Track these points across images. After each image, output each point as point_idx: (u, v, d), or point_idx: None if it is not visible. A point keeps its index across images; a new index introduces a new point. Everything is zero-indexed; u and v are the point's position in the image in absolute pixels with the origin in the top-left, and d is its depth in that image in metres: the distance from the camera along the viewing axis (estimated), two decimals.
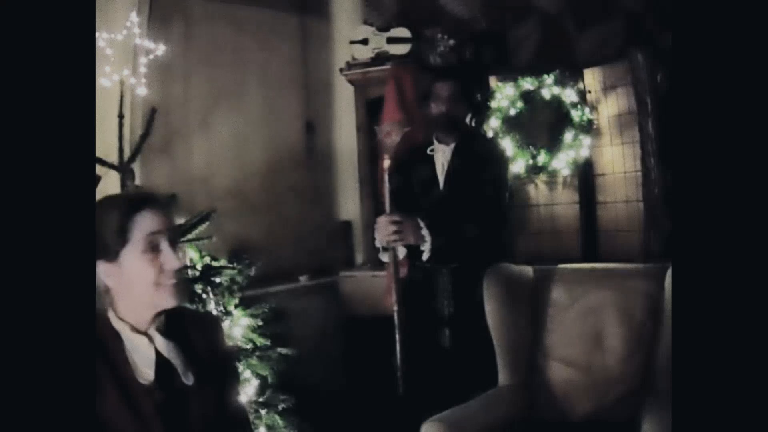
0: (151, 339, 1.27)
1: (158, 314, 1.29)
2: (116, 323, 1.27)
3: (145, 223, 1.25)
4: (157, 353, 1.27)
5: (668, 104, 3.12)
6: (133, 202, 1.28)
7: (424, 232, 2.26)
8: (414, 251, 2.36)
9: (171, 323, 1.32)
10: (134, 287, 1.26)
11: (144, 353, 1.26)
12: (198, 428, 1.27)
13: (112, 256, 1.24)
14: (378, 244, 2.34)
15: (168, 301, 1.27)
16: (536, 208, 3.49)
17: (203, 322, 1.42)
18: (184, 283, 1.30)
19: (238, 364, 2.22)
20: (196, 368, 1.30)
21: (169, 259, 1.26)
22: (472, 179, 2.39)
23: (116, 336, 1.26)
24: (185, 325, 1.35)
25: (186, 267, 1.35)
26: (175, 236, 1.31)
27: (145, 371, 1.24)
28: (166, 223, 1.28)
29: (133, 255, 1.24)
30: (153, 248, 1.25)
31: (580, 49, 3.61)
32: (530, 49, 3.71)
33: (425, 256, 2.29)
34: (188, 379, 1.28)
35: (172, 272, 1.26)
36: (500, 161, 2.46)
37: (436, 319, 2.41)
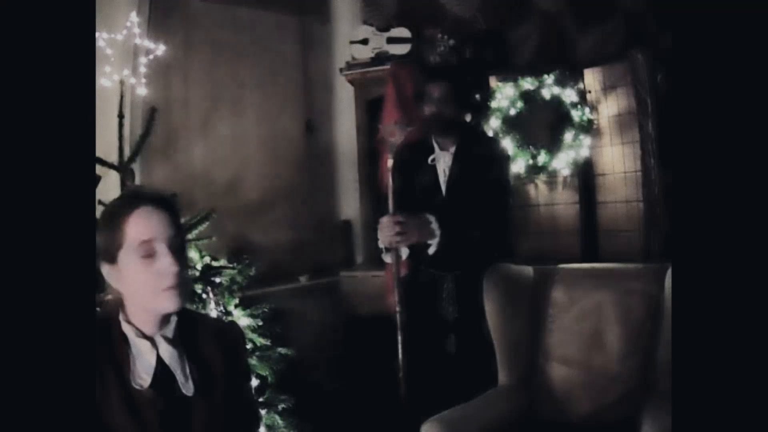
0: (155, 344, 1.24)
1: (166, 320, 1.26)
2: (124, 326, 1.24)
3: (139, 225, 1.21)
4: (159, 360, 1.23)
5: (668, 104, 3.12)
6: (127, 201, 1.25)
7: (434, 225, 2.23)
8: (416, 253, 2.35)
9: (184, 330, 1.28)
10: (133, 291, 1.23)
11: (145, 359, 1.23)
12: None
13: (111, 258, 1.22)
14: (381, 244, 2.32)
15: (167, 306, 1.23)
16: (536, 208, 3.49)
17: (223, 334, 1.36)
18: (185, 286, 1.25)
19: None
20: (204, 379, 1.26)
21: (166, 265, 1.21)
22: (475, 183, 2.36)
23: (124, 339, 1.23)
24: (201, 334, 1.31)
25: (186, 270, 1.27)
26: (176, 238, 1.25)
27: (144, 377, 1.21)
28: (164, 223, 1.23)
29: (128, 258, 1.21)
30: (148, 252, 1.21)
31: (580, 49, 3.61)
32: (530, 49, 3.71)
33: (432, 250, 2.26)
34: (188, 390, 1.24)
35: (169, 277, 1.21)
36: (502, 162, 2.43)
37: (441, 324, 2.39)
